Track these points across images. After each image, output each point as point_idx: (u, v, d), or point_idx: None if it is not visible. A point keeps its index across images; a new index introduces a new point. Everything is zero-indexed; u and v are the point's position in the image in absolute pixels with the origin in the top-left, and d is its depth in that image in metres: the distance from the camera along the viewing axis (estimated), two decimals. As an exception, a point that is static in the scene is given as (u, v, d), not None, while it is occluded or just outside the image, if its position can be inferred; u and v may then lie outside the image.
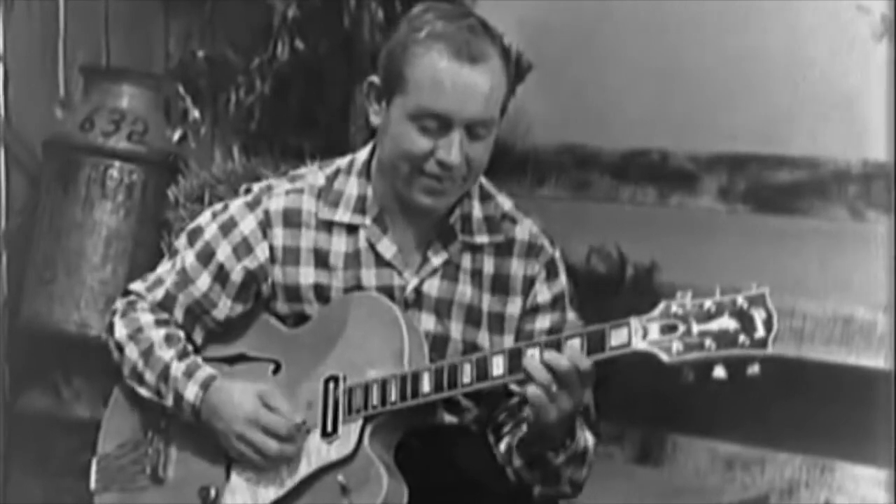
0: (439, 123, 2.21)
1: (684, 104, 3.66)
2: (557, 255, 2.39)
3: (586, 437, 2.28)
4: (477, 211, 2.35)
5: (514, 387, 2.19)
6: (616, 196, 3.75)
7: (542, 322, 2.36)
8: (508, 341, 2.33)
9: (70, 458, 3.22)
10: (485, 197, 2.37)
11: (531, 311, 2.36)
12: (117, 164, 3.54)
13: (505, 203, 2.39)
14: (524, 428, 2.25)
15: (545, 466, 2.24)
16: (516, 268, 2.35)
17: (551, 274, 2.37)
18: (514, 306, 2.35)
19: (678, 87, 3.67)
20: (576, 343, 2.10)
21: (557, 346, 2.11)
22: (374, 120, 2.31)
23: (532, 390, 2.11)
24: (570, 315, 2.38)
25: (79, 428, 3.18)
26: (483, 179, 2.38)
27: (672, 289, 2.07)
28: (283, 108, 3.77)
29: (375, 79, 2.29)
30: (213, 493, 2.33)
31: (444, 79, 2.19)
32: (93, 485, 2.46)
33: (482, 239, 2.34)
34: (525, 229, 2.37)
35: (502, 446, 2.31)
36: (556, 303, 2.37)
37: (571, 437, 2.22)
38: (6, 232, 3.69)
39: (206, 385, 2.30)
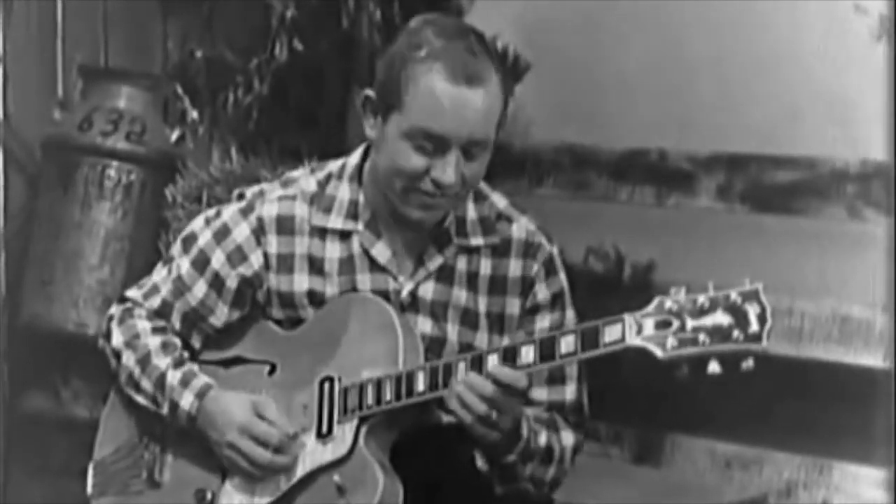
0: (436, 144, 2.20)
1: (683, 104, 3.65)
2: (556, 252, 2.38)
3: (551, 437, 2.28)
4: (471, 212, 2.35)
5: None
6: (614, 196, 3.73)
7: (542, 321, 2.35)
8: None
9: (69, 458, 3.22)
10: (479, 197, 2.36)
11: (531, 311, 2.35)
12: (115, 164, 3.54)
13: (499, 202, 2.38)
14: None
15: (499, 466, 2.25)
16: (514, 268, 2.35)
17: (550, 272, 2.37)
18: (513, 306, 2.35)
19: (677, 86, 3.67)
20: (497, 361, 2.12)
21: (550, 345, 2.11)
22: (370, 133, 2.29)
23: (461, 416, 2.14)
24: (570, 313, 2.38)
25: (78, 428, 3.18)
26: (477, 179, 2.38)
27: (670, 288, 2.07)
28: (282, 108, 3.77)
29: (371, 92, 2.28)
30: (209, 496, 2.33)
31: (441, 100, 2.18)
32: (89, 489, 2.47)
33: (477, 241, 2.34)
34: (521, 228, 2.37)
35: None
36: (556, 301, 2.37)
37: (517, 438, 2.22)
38: (5, 232, 3.69)
39: (201, 394, 2.31)
